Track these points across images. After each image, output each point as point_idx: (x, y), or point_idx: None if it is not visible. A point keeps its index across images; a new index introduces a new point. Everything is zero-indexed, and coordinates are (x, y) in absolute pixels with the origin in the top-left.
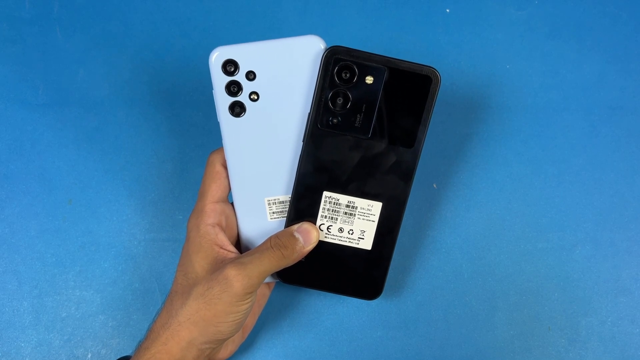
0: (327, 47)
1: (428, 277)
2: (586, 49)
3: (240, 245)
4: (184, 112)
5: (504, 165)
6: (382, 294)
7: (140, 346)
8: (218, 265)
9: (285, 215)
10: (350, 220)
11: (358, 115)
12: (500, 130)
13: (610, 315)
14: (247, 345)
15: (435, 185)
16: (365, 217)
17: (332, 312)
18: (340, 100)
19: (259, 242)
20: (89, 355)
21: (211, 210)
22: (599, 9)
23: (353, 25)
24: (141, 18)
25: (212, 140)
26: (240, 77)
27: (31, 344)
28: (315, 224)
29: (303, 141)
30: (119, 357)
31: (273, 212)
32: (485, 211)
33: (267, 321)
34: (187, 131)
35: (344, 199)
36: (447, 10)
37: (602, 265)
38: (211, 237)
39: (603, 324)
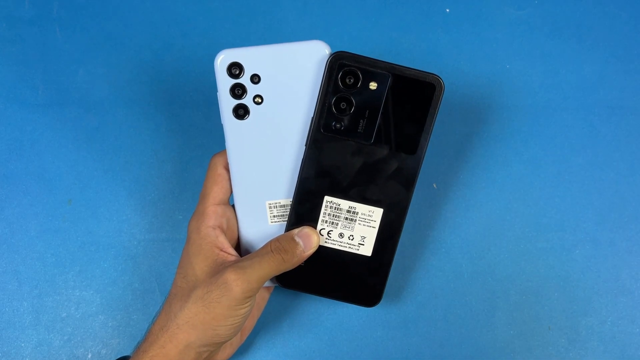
0: (332, 52)
1: (428, 277)
2: (586, 48)
3: (240, 248)
4: (183, 112)
5: (504, 165)
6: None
7: (139, 348)
8: (218, 268)
9: (286, 219)
10: (351, 226)
11: (361, 121)
12: (500, 130)
13: (610, 315)
14: (247, 345)
15: (435, 185)
16: (366, 223)
17: (332, 312)
18: (343, 106)
19: (260, 245)
20: (89, 355)
21: (212, 212)
22: (599, 9)
23: (353, 25)
24: (141, 18)
25: (212, 141)
26: (245, 80)
27: (31, 344)
28: (315, 228)
29: (306, 145)
30: (118, 357)
31: (274, 216)
32: (485, 211)
33: (267, 321)
34: (187, 131)
35: (345, 204)
36: (447, 10)
37: (602, 265)
38: (211, 240)
39: (603, 324)
